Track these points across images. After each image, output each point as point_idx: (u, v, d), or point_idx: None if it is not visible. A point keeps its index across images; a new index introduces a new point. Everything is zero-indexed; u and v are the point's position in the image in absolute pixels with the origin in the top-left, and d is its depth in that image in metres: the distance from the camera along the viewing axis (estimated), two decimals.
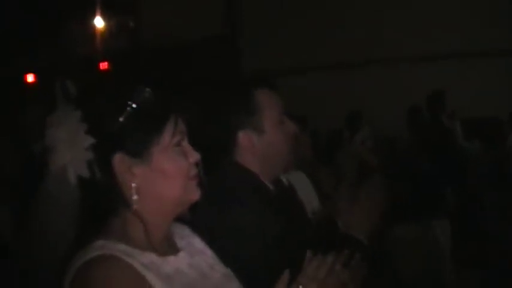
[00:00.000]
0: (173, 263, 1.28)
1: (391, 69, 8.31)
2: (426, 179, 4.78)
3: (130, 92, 1.26)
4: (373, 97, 7.86)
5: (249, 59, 9.11)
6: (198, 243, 1.43)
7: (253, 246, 1.59)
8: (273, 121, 1.81)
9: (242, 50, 9.51)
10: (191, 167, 1.31)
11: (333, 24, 8.68)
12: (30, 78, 9.50)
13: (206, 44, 9.36)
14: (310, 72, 8.62)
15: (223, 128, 1.82)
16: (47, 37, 9.48)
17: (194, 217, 1.39)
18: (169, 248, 1.32)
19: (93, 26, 9.82)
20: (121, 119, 1.23)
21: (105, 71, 9.38)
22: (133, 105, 1.24)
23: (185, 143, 1.31)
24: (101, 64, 9.55)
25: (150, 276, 1.19)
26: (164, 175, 1.27)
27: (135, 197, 1.24)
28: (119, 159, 1.23)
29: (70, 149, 1.23)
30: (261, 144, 1.80)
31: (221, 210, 1.65)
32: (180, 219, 1.37)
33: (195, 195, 1.32)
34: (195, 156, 1.32)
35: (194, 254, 1.37)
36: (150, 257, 1.23)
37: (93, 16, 9.73)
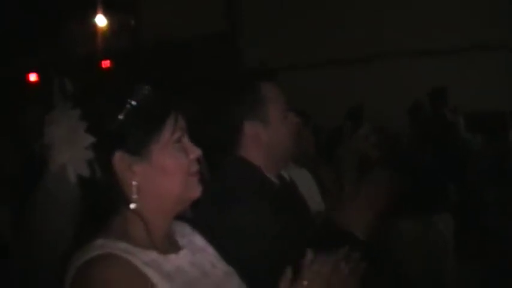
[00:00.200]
0: (174, 261, 1.27)
1: (391, 66, 8.30)
2: (426, 173, 4.77)
3: (129, 89, 1.26)
4: (373, 94, 7.85)
5: (249, 59, 9.10)
6: (199, 240, 1.42)
7: (253, 246, 1.59)
8: (278, 114, 1.83)
9: (242, 49, 9.50)
10: (192, 164, 1.30)
11: (333, 24, 8.67)
12: (32, 77, 9.50)
13: (206, 42, 9.36)
14: (310, 69, 8.62)
15: (228, 120, 1.83)
16: (47, 37, 9.47)
17: (195, 215, 1.38)
18: (170, 246, 1.31)
19: (93, 26, 9.82)
20: (121, 117, 1.23)
21: (105, 70, 9.39)
22: (133, 103, 1.24)
23: (185, 140, 1.31)
24: (103, 63, 9.56)
25: (151, 274, 1.18)
26: (164, 172, 1.26)
27: (135, 196, 1.23)
28: (119, 158, 1.23)
29: (69, 147, 1.23)
30: (267, 136, 1.81)
31: (221, 210, 1.65)
32: (180, 217, 1.37)
33: (196, 192, 1.31)
34: (195, 152, 1.31)
35: (195, 251, 1.37)
36: (151, 255, 1.22)
37: (93, 15, 9.72)
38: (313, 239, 1.71)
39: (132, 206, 1.23)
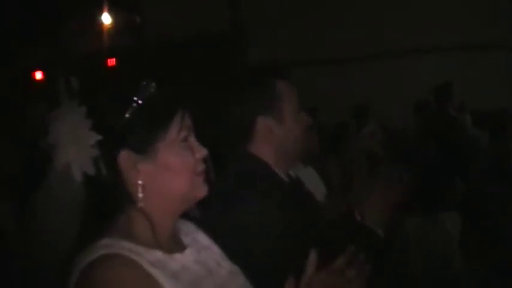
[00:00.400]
0: (179, 260, 1.26)
1: (391, 66, 8.30)
2: (431, 170, 4.74)
3: (135, 87, 1.25)
4: (373, 94, 7.85)
5: (249, 58, 9.10)
6: (203, 239, 1.42)
7: (261, 244, 1.58)
8: (291, 111, 1.82)
9: (244, 49, 9.50)
10: (198, 163, 1.29)
11: (333, 23, 8.67)
12: (38, 75, 9.51)
13: (208, 41, 9.37)
14: (311, 67, 8.60)
15: (241, 114, 1.81)
16: (47, 37, 9.47)
17: (203, 213, 1.37)
18: (175, 245, 1.30)
19: (94, 25, 9.82)
20: (126, 115, 1.22)
21: (111, 68, 9.40)
22: (139, 101, 1.23)
23: (192, 139, 1.30)
24: (109, 60, 9.58)
25: (157, 274, 1.17)
26: (170, 171, 1.25)
27: (140, 195, 1.22)
28: (124, 156, 1.22)
29: (75, 145, 1.22)
30: (280, 133, 1.80)
31: (229, 208, 1.64)
32: (184, 215, 1.36)
33: (202, 191, 1.30)
34: (202, 151, 1.30)
35: (200, 250, 1.36)
36: (156, 255, 1.21)
37: (95, 14, 9.73)
38: (322, 236, 1.70)
39: (141, 204, 1.22)
